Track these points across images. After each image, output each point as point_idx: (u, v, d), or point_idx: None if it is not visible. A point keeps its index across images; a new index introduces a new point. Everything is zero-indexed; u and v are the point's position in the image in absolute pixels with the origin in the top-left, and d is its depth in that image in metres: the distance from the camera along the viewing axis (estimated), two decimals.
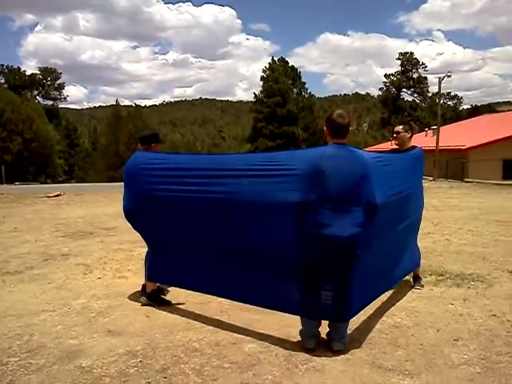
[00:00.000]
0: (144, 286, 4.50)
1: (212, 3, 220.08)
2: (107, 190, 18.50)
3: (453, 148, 29.58)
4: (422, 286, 4.85)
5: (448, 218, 10.04)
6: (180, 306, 4.35)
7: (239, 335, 3.62)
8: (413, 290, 4.79)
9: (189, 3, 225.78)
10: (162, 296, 4.49)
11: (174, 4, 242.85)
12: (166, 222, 3.93)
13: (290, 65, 61.75)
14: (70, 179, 51.06)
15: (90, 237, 8.16)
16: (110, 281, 5.37)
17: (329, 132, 3.22)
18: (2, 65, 60.17)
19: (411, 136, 4.82)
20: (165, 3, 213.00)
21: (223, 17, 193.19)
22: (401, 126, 4.87)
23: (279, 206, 3.11)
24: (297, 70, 62.99)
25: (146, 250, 4.54)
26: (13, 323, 3.98)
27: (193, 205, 3.61)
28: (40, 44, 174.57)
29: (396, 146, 4.89)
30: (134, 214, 4.21)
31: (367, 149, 37.65)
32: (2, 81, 58.21)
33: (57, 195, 16.27)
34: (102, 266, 6.02)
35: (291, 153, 3.60)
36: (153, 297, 4.39)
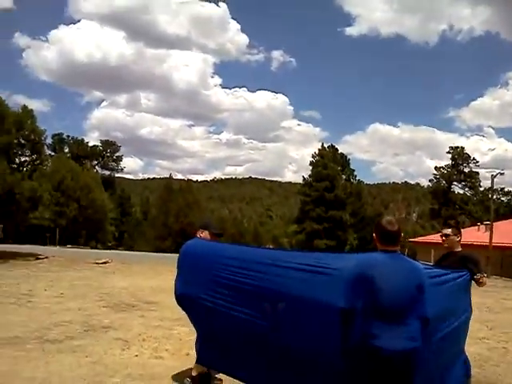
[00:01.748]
0: (191, 369, 4.37)
1: (266, 90, 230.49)
2: (153, 260, 18.76)
3: (507, 245, 28.34)
4: None
5: (504, 321, 9.38)
6: None
7: None
8: None
9: (244, 88, 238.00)
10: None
11: (230, 89, 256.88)
12: (217, 311, 3.87)
13: (339, 152, 62.88)
14: (119, 246, 52.30)
15: (131, 310, 8.16)
16: (147, 360, 5.27)
17: (378, 239, 3.11)
18: (68, 136, 65.00)
19: (460, 239, 4.67)
20: (222, 87, 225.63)
21: (276, 103, 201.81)
22: (450, 230, 4.71)
23: (324, 309, 3.01)
24: (346, 156, 64.03)
25: (185, 329, 4.47)
26: None
27: (244, 298, 3.55)
28: (104, 118, 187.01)
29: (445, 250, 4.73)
30: (184, 298, 4.18)
31: (417, 239, 36.71)
32: (67, 150, 62.32)
33: (104, 262, 16.63)
34: (140, 343, 5.95)
35: (340, 256, 3.50)
36: (197, 381, 4.24)
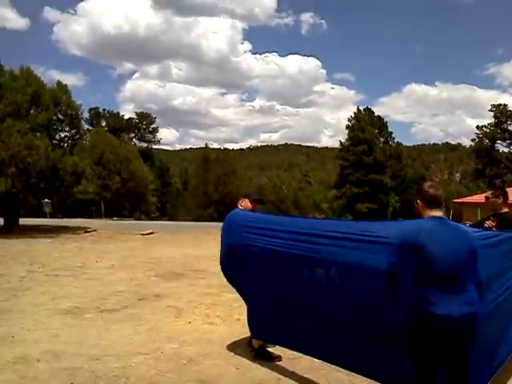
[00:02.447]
0: (251, 339, 4.44)
1: (297, 54, 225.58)
2: (196, 229, 19.15)
3: None
4: None
5: None
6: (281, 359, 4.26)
7: None
8: None
9: (275, 53, 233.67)
10: (269, 349, 4.38)
11: (260, 54, 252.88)
12: (260, 281, 3.95)
13: (375, 114, 61.35)
14: (162, 216, 53.52)
15: (180, 278, 8.41)
16: (200, 326, 5.45)
17: (423, 203, 3.06)
18: (104, 109, 65.87)
19: (505, 201, 4.58)
20: (252, 53, 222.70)
21: (308, 66, 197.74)
22: (490, 192, 4.71)
23: (371, 273, 3.04)
24: (383, 119, 62.41)
25: (233, 295, 4.55)
26: (111, 363, 4.15)
27: (292, 264, 3.61)
28: (137, 90, 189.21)
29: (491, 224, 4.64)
30: (230, 268, 4.27)
31: (462, 199, 35.73)
32: (104, 124, 63.36)
33: (149, 233, 17.09)
34: (192, 310, 6.15)
35: (386, 223, 3.47)
36: (261, 352, 4.31)
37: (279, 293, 3.86)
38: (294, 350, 4.05)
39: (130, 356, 4.35)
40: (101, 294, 6.95)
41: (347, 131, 58.73)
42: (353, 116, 59.54)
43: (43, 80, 19.75)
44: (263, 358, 4.26)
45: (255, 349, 4.35)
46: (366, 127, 57.06)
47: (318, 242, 3.44)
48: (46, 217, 28.56)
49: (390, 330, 3.02)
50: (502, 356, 3.65)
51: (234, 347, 4.64)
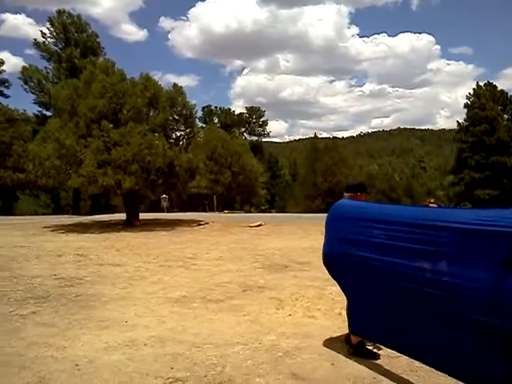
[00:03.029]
0: (349, 336, 4.34)
1: (408, 31, 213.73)
2: (303, 221, 19.17)
3: None
4: None
5: None
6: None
7: None
8: None
9: (384, 34, 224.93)
10: (369, 347, 4.27)
11: (368, 37, 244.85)
12: (366, 275, 3.81)
13: (498, 89, 56.17)
14: (271, 208, 54.57)
15: (284, 270, 8.49)
16: (300, 319, 5.45)
17: None
18: (216, 106, 69.00)
19: None
20: (360, 37, 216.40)
21: (420, 44, 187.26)
22: None
23: (488, 261, 2.79)
24: (507, 93, 56.87)
25: (336, 288, 4.47)
26: (210, 351, 4.32)
27: (402, 257, 3.43)
28: (246, 85, 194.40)
29: None
30: (333, 261, 4.17)
31: None
32: (216, 120, 66.12)
33: (258, 225, 17.48)
34: (293, 303, 6.17)
35: (505, 212, 3.12)
36: (360, 350, 4.20)
37: (385, 289, 3.68)
38: (393, 349, 3.87)
39: (228, 345, 4.49)
40: (208, 285, 7.26)
41: (465, 110, 54.65)
42: (472, 93, 55.17)
43: (160, 84, 21.12)
44: (361, 355, 4.14)
45: (353, 345, 4.23)
46: (488, 104, 52.50)
47: (424, 233, 3.27)
48: (163, 211, 30.52)
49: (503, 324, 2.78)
50: None
51: (331, 342, 4.57)
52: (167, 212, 30.97)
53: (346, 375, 3.78)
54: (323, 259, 4.32)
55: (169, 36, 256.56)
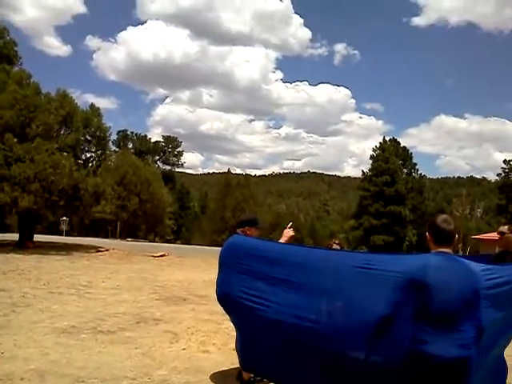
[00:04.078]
0: (240, 372, 4.28)
1: (328, 83, 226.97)
2: (207, 254, 19.04)
3: None
4: None
5: None
6: None
7: None
8: None
9: (305, 82, 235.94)
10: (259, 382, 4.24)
11: (291, 83, 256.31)
12: (261, 311, 3.80)
13: (401, 145, 61.08)
14: (177, 239, 53.69)
15: (183, 303, 8.33)
16: (194, 354, 5.34)
17: (432, 239, 2.95)
18: (132, 132, 67.53)
19: None
20: (283, 82, 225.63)
21: (338, 96, 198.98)
22: (506, 227, 4.44)
23: (368, 313, 2.91)
24: (408, 150, 62.09)
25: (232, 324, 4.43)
26: None
27: (291, 298, 3.44)
28: (167, 115, 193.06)
29: (501, 249, 4.44)
30: (225, 299, 4.08)
31: (481, 236, 34.96)
32: (130, 146, 64.69)
33: (161, 255, 17.11)
34: (188, 336, 6.05)
35: (393, 258, 3.27)
36: None
37: (273, 325, 3.71)
38: None
39: (115, 380, 4.26)
40: (100, 315, 6.90)
41: (371, 161, 58.50)
42: (378, 146, 59.34)
43: (77, 102, 20.38)
44: None
45: (244, 381, 4.20)
46: (391, 158, 56.73)
47: (315, 273, 3.32)
48: (62, 234, 28.88)
49: (387, 368, 2.88)
50: None
51: (223, 377, 4.51)
52: (66, 235, 29.31)
53: None
54: (217, 297, 4.27)
55: (93, 55, 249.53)
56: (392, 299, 2.77)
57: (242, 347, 4.13)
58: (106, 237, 36.76)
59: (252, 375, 4.21)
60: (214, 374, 4.56)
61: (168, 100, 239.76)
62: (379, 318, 2.82)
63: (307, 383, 3.48)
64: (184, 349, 5.51)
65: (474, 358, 2.62)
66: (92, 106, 21.00)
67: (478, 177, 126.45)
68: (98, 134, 20.48)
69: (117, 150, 55.59)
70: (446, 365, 2.59)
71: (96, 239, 27.25)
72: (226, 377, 4.52)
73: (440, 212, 55.37)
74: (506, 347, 4.06)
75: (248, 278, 3.79)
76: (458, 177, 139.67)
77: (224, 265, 4.13)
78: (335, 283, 3.20)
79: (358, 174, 66.63)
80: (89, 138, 20.55)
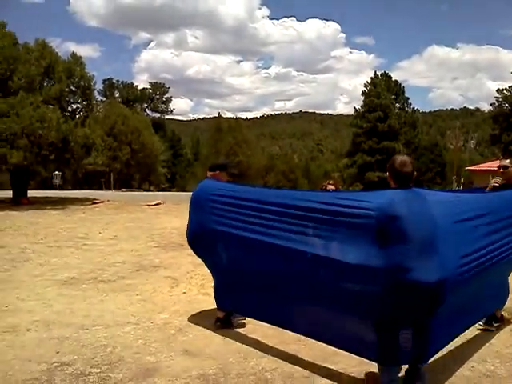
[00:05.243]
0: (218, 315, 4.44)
1: (317, 18, 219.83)
2: None
3: None
4: (495, 327, 4.33)
5: None
6: (258, 331, 4.23)
7: (314, 369, 3.48)
8: (510, 332, 4.30)
9: (293, 18, 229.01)
10: (235, 318, 4.41)
11: (278, 20, 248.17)
12: (231, 254, 3.89)
13: (393, 79, 60.07)
14: (172, 187, 53.76)
15: (180, 249, 8.43)
16: (194, 297, 5.47)
17: (392, 180, 3.12)
18: (118, 80, 65.52)
19: None
20: (270, 19, 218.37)
21: (327, 31, 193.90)
22: (508, 160, 4.45)
23: (350, 252, 2.98)
24: (400, 84, 61.12)
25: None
26: (100, 333, 4.18)
27: (261, 242, 3.52)
28: (152, 60, 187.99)
29: (496, 184, 4.48)
30: (199, 240, 4.20)
31: (474, 167, 35.20)
32: (117, 95, 63.11)
33: (157, 204, 17.16)
34: (188, 281, 6.17)
35: (361, 195, 3.30)
36: (225, 322, 4.34)
37: (247, 267, 3.81)
38: (264, 321, 4.00)
39: (119, 326, 4.38)
40: (100, 265, 7.00)
41: (363, 97, 57.75)
42: (369, 81, 58.38)
43: (58, 52, 19.70)
44: (228, 326, 4.31)
45: (220, 318, 4.33)
46: (382, 93, 55.95)
47: (291, 215, 3.37)
48: (56, 189, 28.83)
49: (363, 297, 3.01)
50: (467, 322, 3.71)
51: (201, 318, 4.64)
52: (60, 190, 29.27)
53: (237, 349, 3.86)
54: (188, 239, 4.37)
55: (70, 0, 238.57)
56: (371, 238, 2.87)
57: (219, 288, 4.26)
58: (100, 189, 36.71)
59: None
60: (215, 315, 4.67)
61: (152, 44, 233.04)
62: (364, 258, 2.90)
63: (294, 315, 3.63)
64: (184, 292, 5.64)
65: (449, 280, 2.79)
66: (73, 54, 20.30)
67: (472, 108, 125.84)
68: (82, 83, 19.92)
69: (104, 99, 54.50)
70: (425, 289, 2.75)
71: (90, 191, 27.25)
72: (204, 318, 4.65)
73: (434, 146, 55.55)
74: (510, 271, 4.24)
75: (222, 211, 3.88)
76: (452, 109, 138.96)
77: (196, 207, 4.21)
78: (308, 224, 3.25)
79: (351, 112, 66.01)
80: (73, 88, 20.02)
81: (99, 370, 3.43)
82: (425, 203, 2.88)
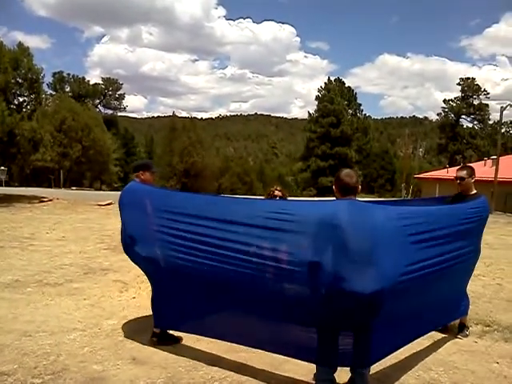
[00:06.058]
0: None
1: (272, 20, 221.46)
2: None
3: None
4: (466, 336, 4.55)
5: (502, 258, 9.42)
6: (207, 338, 4.07)
7: (265, 377, 3.49)
8: (455, 341, 4.48)
9: (249, 20, 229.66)
10: (172, 333, 4.18)
11: (234, 20, 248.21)
12: (170, 263, 3.72)
13: (346, 85, 61.49)
14: (124, 186, 52.60)
15: None
16: (144, 302, 5.33)
17: (338, 190, 3.25)
18: (69, 74, 63.25)
19: (474, 181, 4.61)
20: (226, 19, 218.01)
21: (282, 34, 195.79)
22: (464, 172, 4.61)
23: (292, 259, 3.04)
24: (353, 90, 62.80)
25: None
26: (44, 340, 4.03)
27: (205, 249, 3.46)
28: (105, 55, 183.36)
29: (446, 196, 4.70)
30: (139, 240, 3.98)
31: (422, 175, 36.45)
32: (68, 89, 61.06)
33: (108, 204, 16.75)
34: (138, 285, 6.04)
35: (305, 205, 3.26)
36: (162, 337, 4.11)
37: (185, 277, 3.66)
38: (205, 336, 3.91)
39: (64, 332, 4.24)
40: (46, 267, 6.76)
41: (316, 102, 58.71)
42: (323, 86, 59.43)
43: (3, 41, 18.85)
44: (165, 341, 4.07)
45: (156, 333, 4.11)
46: (336, 98, 57.14)
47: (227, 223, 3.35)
48: (0, 185, 27.58)
49: (305, 302, 3.07)
50: (413, 333, 3.74)
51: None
52: (4, 186, 28.01)
53: (187, 357, 3.81)
54: (123, 242, 4.22)
55: None
56: (312, 245, 2.94)
57: (156, 304, 4.07)
58: (49, 186, 35.39)
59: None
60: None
61: (105, 39, 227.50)
62: (308, 263, 2.96)
63: (233, 327, 3.63)
64: (134, 297, 5.52)
65: (387, 290, 2.86)
66: (20, 44, 19.49)
67: (420, 116, 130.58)
68: (29, 76, 19.18)
69: (53, 93, 52.68)
70: (362, 299, 2.83)
71: (39, 189, 26.20)
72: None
73: (385, 153, 57.14)
74: (467, 282, 4.41)
75: (157, 214, 3.81)
76: (402, 117, 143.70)
77: (126, 208, 4.12)
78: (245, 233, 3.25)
79: (306, 116, 66.98)
80: (20, 80, 19.26)
81: (41, 381, 3.31)
82: (367, 215, 2.96)
